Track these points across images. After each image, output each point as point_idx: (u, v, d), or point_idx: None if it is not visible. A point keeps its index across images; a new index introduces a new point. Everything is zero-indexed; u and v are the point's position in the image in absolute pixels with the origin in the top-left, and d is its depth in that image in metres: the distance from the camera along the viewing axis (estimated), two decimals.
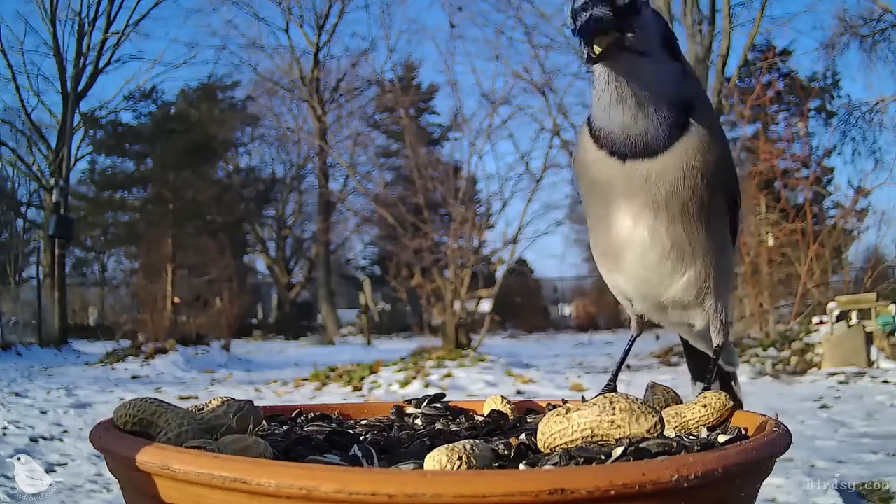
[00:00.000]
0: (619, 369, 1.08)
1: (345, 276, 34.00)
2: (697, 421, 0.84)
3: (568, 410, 0.74)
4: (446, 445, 0.69)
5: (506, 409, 0.99)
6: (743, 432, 0.82)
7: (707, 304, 1.02)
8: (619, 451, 0.70)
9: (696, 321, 1.06)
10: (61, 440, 5.42)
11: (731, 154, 1.02)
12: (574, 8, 0.87)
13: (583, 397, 1.00)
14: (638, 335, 1.17)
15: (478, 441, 0.71)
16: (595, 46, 0.85)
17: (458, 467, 0.66)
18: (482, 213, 16.31)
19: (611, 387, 1.05)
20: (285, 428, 0.92)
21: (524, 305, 28.40)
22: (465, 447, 0.68)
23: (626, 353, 1.15)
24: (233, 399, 0.81)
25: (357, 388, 8.81)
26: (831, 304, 10.92)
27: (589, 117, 0.99)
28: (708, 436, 0.81)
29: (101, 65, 20.76)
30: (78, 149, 22.27)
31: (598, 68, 0.90)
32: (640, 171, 0.94)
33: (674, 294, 1.03)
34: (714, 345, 1.05)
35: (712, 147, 0.95)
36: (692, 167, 0.94)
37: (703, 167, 0.94)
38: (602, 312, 26.75)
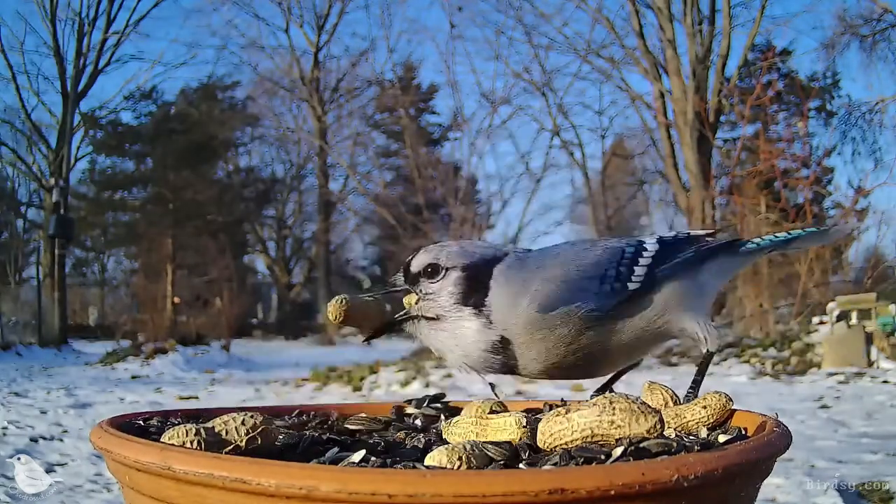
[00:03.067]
0: (613, 381, 1.08)
1: (345, 276, 34.01)
2: (697, 421, 0.84)
3: (568, 411, 0.74)
4: (446, 445, 0.69)
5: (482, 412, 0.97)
6: (743, 432, 0.82)
7: (688, 327, 1.05)
8: (618, 451, 0.70)
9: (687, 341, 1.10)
10: (61, 440, 5.42)
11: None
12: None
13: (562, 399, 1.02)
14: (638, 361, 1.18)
15: (478, 441, 0.71)
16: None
17: (458, 467, 0.66)
18: (482, 213, 16.34)
19: (605, 391, 1.05)
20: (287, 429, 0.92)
21: None
22: (465, 447, 0.68)
23: (625, 370, 1.15)
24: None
25: (357, 388, 8.82)
26: (831, 304, 10.93)
27: None
28: (708, 436, 0.81)
29: (101, 65, 20.79)
30: (78, 149, 22.30)
31: (417, 335, 1.04)
32: (527, 374, 1.04)
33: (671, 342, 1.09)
34: (704, 351, 1.06)
35: (547, 340, 0.99)
36: (552, 358, 1.00)
37: (558, 349, 1.00)
38: None
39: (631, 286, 1.00)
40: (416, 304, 1.03)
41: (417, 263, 1.02)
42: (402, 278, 1.04)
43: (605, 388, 1.06)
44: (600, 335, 0.99)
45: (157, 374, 11.20)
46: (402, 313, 1.04)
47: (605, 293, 0.98)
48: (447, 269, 1.01)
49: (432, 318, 1.01)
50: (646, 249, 1.04)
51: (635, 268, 1.01)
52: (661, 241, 1.08)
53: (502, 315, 0.99)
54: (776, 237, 1.22)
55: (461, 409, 1.03)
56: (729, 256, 1.14)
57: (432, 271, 1.01)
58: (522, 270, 1.01)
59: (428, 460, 0.68)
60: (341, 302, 1.00)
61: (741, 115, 14.95)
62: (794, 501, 3.56)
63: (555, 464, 0.70)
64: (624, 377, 1.16)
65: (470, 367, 1.03)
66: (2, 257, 28.34)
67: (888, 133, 19.07)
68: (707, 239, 1.11)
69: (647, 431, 0.72)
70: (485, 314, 0.99)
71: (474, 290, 1.00)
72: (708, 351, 1.05)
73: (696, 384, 1.03)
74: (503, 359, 1.01)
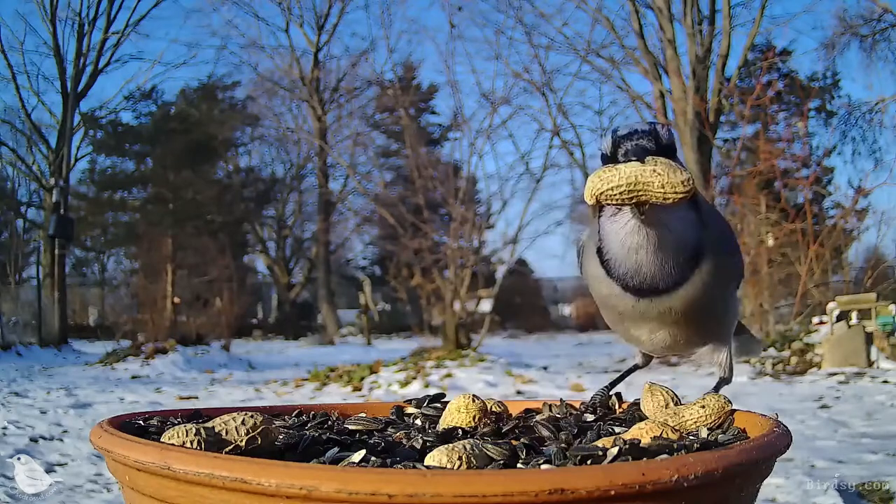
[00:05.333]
0: (613, 385, 1.08)
1: (345, 276, 34.01)
2: (696, 421, 0.84)
3: (616, 162, 0.86)
4: (446, 445, 0.69)
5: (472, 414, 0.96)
6: (743, 432, 0.82)
7: (716, 357, 1.08)
8: (614, 451, 0.70)
9: (705, 363, 1.13)
10: (61, 440, 5.42)
11: (737, 249, 1.07)
12: (617, 136, 0.91)
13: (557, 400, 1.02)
14: (642, 367, 1.20)
15: (478, 441, 0.72)
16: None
17: (458, 467, 0.66)
18: (482, 213, 16.34)
19: (604, 393, 1.04)
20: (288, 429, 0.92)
21: (524, 305, 28.42)
22: (465, 447, 0.68)
23: (625, 376, 1.16)
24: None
25: (357, 388, 8.81)
26: (831, 304, 10.92)
27: (599, 243, 0.98)
28: (708, 436, 0.81)
29: (101, 65, 20.78)
30: (78, 149, 22.31)
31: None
32: (653, 307, 0.98)
33: (691, 358, 1.12)
34: (718, 377, 1.08)
35: (720, 275, 0.98)
36: (701, 299, 0.98)
37: (712, 294, 0.99)
38: None
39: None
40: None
41: (666, 135, 0.91)
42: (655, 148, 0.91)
43: (609, 388, 1.06)
44: (724, 299, 1.03)
45: (157, 374, 11.19)
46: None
47: (738, 267, 1.07)
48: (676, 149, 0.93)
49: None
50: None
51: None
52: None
53: (707, 224, 0.96)
54: None
55: None
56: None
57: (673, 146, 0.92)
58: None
59: (428, 460, 0.68)
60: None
61: (741, 115, 14.95)
62: (794, 501, 3.56)
63: (549, 460, 0.70)
64: (624, 377, 1.16)
65: (645, 265, 0.94)
66: (2, 257, 28.34)
67: (888, 133, 19.12)
68: None
69: (683, 183, 0.82)
70: (700, 210, 0.95)
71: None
72: (722, 378, 1.08)
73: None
74: (681, 271, 0.94)
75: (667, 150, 0.90)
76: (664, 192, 0.84)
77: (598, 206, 0.91)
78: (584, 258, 1.05)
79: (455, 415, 0.90)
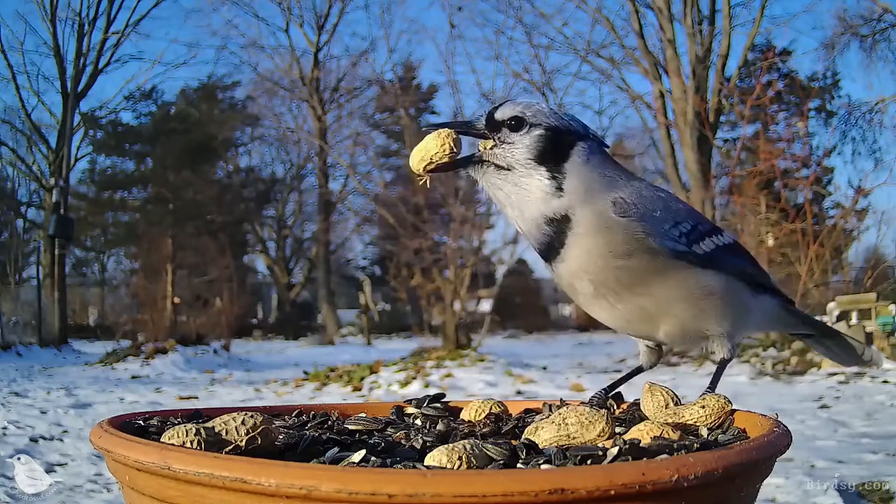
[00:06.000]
0: (614, 387, 1.07)
1: (345, 276, 34.00)
2: (696, 421, 0.84)
3: (536, 429, 0.81)
4: (446, 445, 0.69)
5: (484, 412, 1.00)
6: (743, 432, 0.82)
7: (710, 337, 1.06)
8: (614, 451, 0.70)
9: (706, 347, 1.09)
10: (61, 440, 5.42)
11: (652, 218, 0.99)
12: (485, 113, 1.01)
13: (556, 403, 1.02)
14: (646, 369, 1.16)
15: (478, 441, 0.72)
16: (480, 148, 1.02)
17: (458, 467, 0.66)
18: (482, 213, 16.31)
19: (602, 395, 1.04)
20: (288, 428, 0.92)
21: (524, 305, 28.41)
22: (464, 447, 0.68)
23: (626, 378, 1.14)
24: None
25: (357, 388, 8.81)
26: (831, 304, 10.93)
27: None
28: (708, 436, 0.81)
29: (101, 65, 20.78)
30: (78, 149, 22.32)
31: (480, 180, 1.03)
32: (559, 271, 1.01)
33: (661, 339, 1.07)
34: (717, 359, 1.07)
35: (604, 239, 0.97)
36: (594, 263, 0.97)
37: (604, 259, 0.97)
38: None
39: (695, 248, 1.00)
40: (490, 149, 1.01)
41: (503, 113, 1.00)
42: (484, 123, 1.01)
43: (611, 388, 1.06)
44: (647, 269, 0.97)
45: (157, 374, 11.19)
46: (472, 154, 1.02)
47: (672, 236, 0.99)
48: (531, 126, 0.99)
49: (502, 167, 1.00)
50: (721, 234, 1.06)
51: (707, 239, 1.03)
52: (735, 241, 1.11)
53: (574, 191, 0.97)
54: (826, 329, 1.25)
55: (461, 409, 1.03)
56: (781, 308, 1.17)
57: (516, 124, 0.99)
58: (607, 167, 1.01)
59: (428, 460, 0.68)
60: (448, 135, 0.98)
61: (741, 115, 14.94)
62: (794, 501, 3.56)
63: (549, 460, 0.70)
64: (626, 380, 1.15)
65: (520, 230, 1.02)
66: (2, 257, 28.35)
67: (888, 133, 19.12)
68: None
69: (598, 435, 0.78)
70: (557, 180, 0.98)
71: (552, 155, 0.98)
72: (722, 358, 1.07)
73: (715, 380, 1.04)
74: (551, 237, 0.98)
75: (495, 127, 1.00)
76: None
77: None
78: None
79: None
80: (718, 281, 1.03)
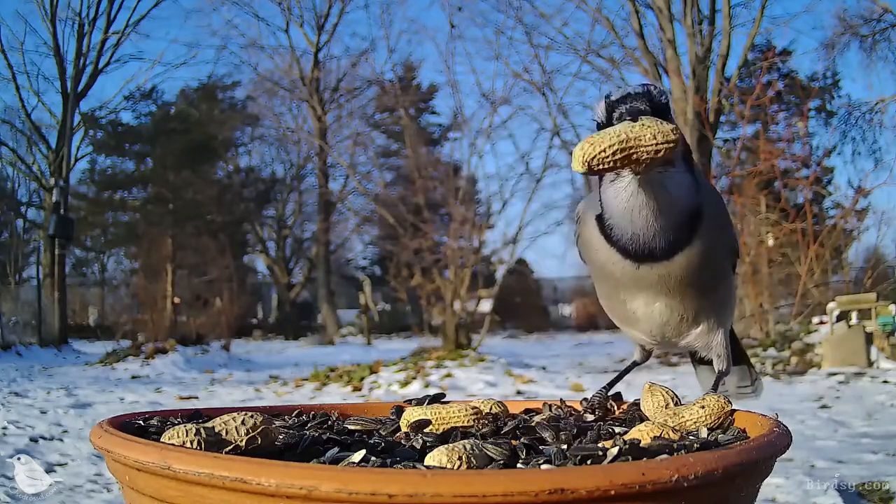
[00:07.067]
0: (612, 385, 1.08)
1: (345, 276, 33.99)
2: (696, 421, 0.84)
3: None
4: (446, 445, 0.69)
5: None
6: (743, 432, 0.82)
7: (712, 341, 1.07)
8: (614, 451, 0.70)
9: (701, 352, 1.11)
10: (61, 440, 5.42)
11: (730, 223, 1.08)
12: (611, 101, 0.91)
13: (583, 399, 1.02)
14: (640, 363, 1.20)
15: (478, 441, 0.72)
16: None
17: (458, 467, 0.66)
18: (482, 213, 16.32)
19: (602, 394, 1.04)
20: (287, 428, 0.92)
21: (524, 305, 28.41)
22: (464, 447, 0.68)
23: (624, 374, 1.16)
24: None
25: (357, 388, 8.81)
26: (831, 304, 10.92)
27: (600, 208, 0.99)
28: (708, 436, 0.81)
29: (101, 65, 20.77)
30: (78, 149, 22.28)
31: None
32: (653, 272, 0.98)
33: (687, 342, 1.08)
34: (717, 370, 1.08)
35: (718, 243, 1.00)
36: (699, 266, 0.98)
37: (709, 262, 0.99)
38: (602, 313, 26.70)
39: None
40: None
41: (660, 100, 0.91)
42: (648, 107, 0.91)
43: (608, 388, 1.06)
44: (724, 271, 1.04)
45: (157, 374, 11.19)
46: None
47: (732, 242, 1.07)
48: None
49: (668, 162, 0.89)
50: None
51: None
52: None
53: (703, 186, 0.97)
54: None
55: None
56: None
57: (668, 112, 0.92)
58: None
59: (428, 460, 0.68)
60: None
61: (741, 115, 14.94)
62: (794, 501, 3.56)
63: (549, 460, 0.70)
64: (625, 377, 1.16)
65: (642, 229, 0.94)
66: (2, 257, 28.33)
67: (888, 133, 19.10)
68: None
69: (672, 131, 0.83)
70: (695, 175, 0.96)
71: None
72: (720, 372, 1.08)
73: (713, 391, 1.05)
74: (679, 233, 0.95)
75: (661, 111, 0.89)
76: (656, 143, 0.83)
77: (592, 174, 0.89)
78: (582, 227, 1.05)
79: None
80: (732, 278, 1.07)
